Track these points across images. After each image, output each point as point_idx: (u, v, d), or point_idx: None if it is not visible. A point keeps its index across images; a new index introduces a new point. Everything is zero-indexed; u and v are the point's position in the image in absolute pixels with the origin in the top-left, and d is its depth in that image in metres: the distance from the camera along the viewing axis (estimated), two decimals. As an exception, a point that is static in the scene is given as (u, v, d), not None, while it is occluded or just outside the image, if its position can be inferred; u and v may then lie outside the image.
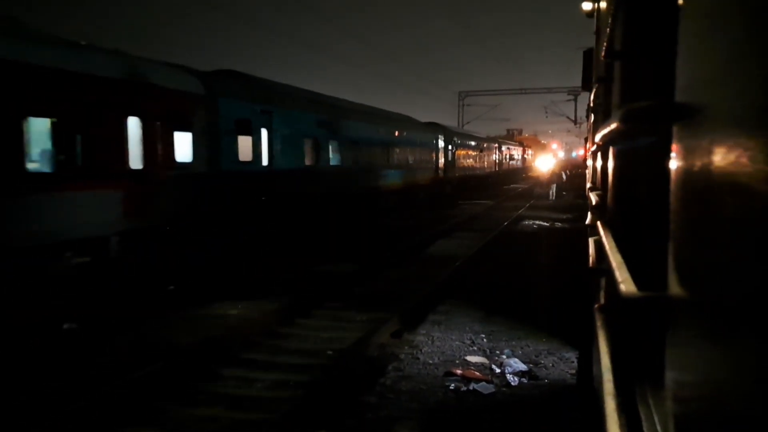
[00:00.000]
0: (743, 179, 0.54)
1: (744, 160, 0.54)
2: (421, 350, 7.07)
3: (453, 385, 6.03)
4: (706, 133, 0.69)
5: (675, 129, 0.91)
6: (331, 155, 16.89)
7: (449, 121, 46.20)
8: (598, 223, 2.77)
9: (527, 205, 27.41)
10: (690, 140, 0.80)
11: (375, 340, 7.13)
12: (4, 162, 7.36)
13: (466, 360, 6.77)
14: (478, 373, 6.31)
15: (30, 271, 7.60)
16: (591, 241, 3.33)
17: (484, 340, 7.53)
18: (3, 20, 8.29)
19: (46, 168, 8.01)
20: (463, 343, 7.40)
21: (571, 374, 6.33)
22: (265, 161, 13.15)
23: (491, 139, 46.73)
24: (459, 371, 6.33)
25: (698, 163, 0.73)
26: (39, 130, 7.88)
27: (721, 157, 0.62)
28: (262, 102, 13.23)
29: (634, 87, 1.92)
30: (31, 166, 7.78)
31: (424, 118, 30.61)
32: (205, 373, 6.19)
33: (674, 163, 0.89)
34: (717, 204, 0.64)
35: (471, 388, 5.95)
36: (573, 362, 6.55)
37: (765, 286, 0.48)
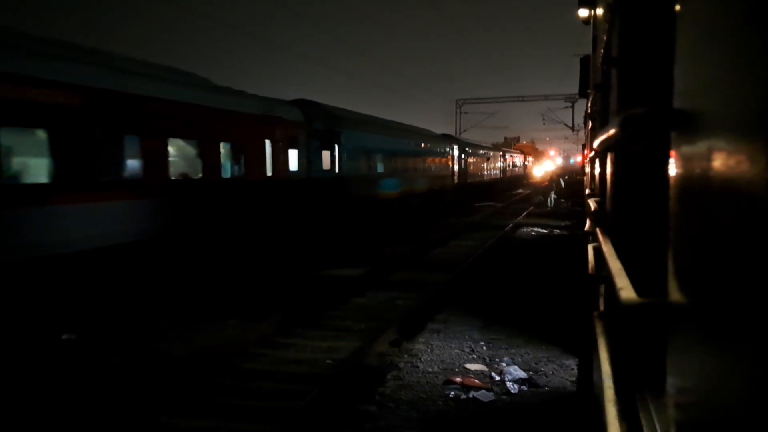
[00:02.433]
0: (742, 185, 0.54)
1: (742, 165, 0.54)
2: (420, 358, 7.05)
3: (453, 393, 6.01)
4: (704, 139, 0.70)
5: (673, 135, 0.91)
6: (378, 165, 20.85)
7: (445, 129, 46.43)
8: (597, 229, 2.78)
9: (526, 212, 27.75)
10: (688, 146, 0.80)
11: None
12: (213, 169, 11.24)
13: (465, 368, 6.75)
14: (477, 381, 6.29)
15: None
16: (590, 247, 3.33)
17: (484, 348, 7.51)
18: (192, 76, 11.83)
19: (227, 175, 11.91)
20: (463, 351, 7.38)
21: (571, 381, 6.31)
22: (337, 170, 17.32)
23: (497, 148, 49.89)
24: (459, 379, 6.31)
25: (696, 169, 0.73)
26: (226, 152, 11.85)
27: (719, 163, 0.62)
28: (334, 124, 17.15)
29: (632, 93, 1.93)
30: (222, 174, 11.69)
31: (421, 126, 31.21)
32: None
33: (672, 169, 0.90)
34: (716, 210, 0.64)
35: (471, 396, 5.93)
36: (573, 369, 6.53)
37: (765, 291, 0.48)
